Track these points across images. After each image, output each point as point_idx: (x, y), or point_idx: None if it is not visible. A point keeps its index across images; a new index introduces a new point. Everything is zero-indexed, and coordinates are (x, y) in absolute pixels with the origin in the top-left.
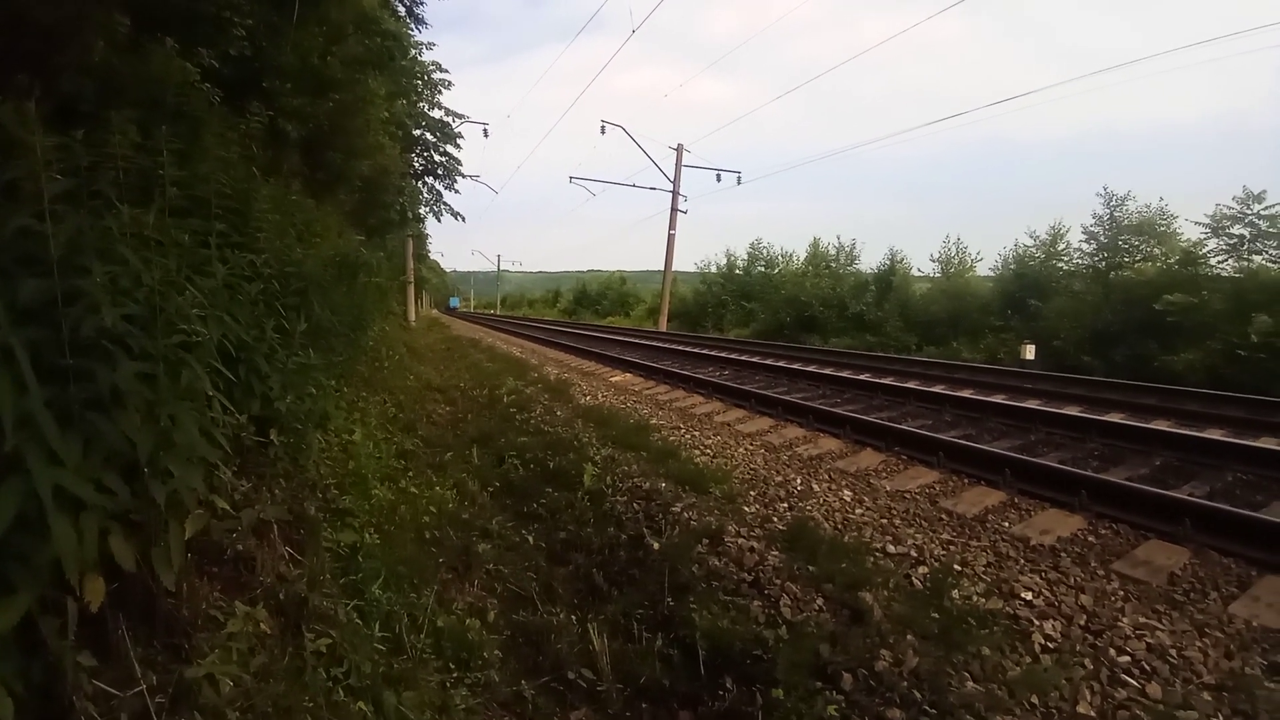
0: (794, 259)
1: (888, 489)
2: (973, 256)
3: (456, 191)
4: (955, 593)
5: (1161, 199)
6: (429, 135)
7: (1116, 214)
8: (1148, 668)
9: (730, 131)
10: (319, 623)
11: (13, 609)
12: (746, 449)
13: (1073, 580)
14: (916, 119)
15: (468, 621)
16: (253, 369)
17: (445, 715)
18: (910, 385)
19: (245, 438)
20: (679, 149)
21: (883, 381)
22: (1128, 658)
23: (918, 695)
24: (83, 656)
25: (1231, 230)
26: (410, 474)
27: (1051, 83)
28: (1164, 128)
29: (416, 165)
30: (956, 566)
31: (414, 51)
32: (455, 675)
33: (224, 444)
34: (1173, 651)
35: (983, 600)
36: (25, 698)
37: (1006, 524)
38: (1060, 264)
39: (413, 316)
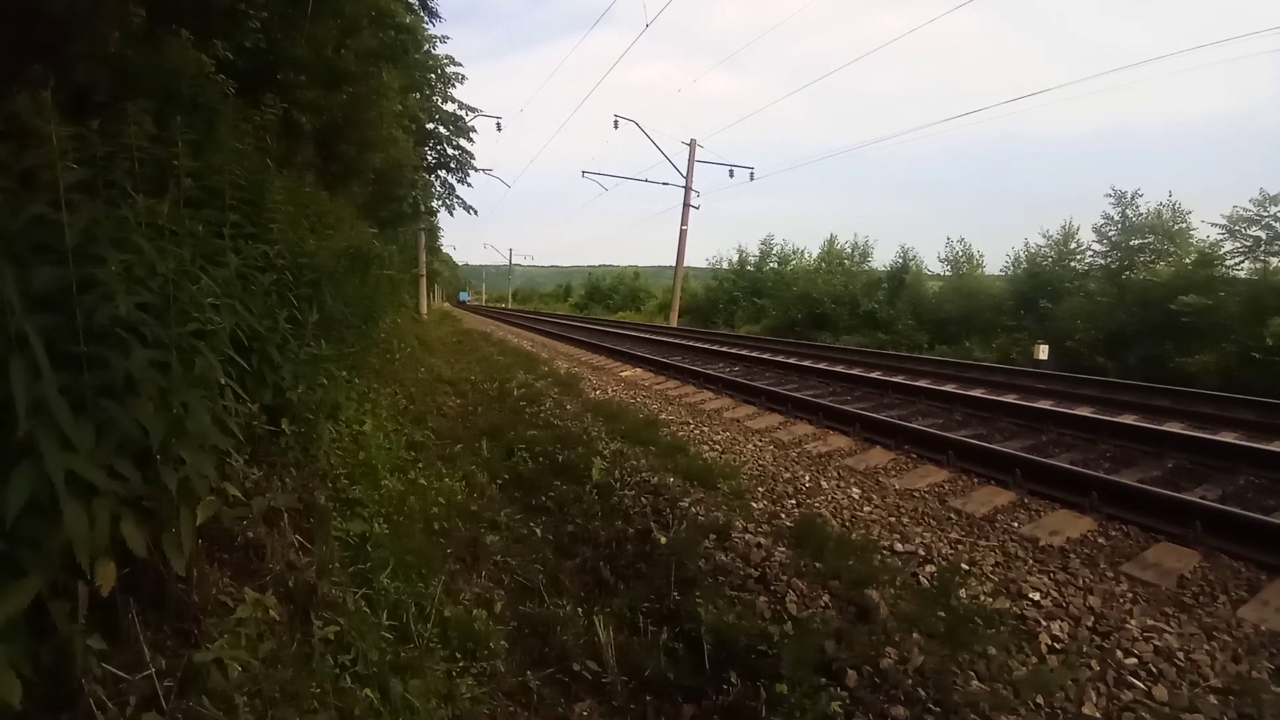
0: (806, 255)
1: (896, 487)
2: (978, 256)
3: (469, 185)
4: (962, 592)
5: (1170, 194)
6: (442, 129)
7: (1128, 213)
8: (1155, 670)
9: (742, 127)
10: (327, 610)
11: (24, 592)
12: (755, 445)
13: (1081, 581)
14: (928, 116)
15: (475, 612)
16: (265, 359)
17: (451, 704)
18: (921, 384)
19: (257, 426)
20: (691, 144)
21: (893, 380)
22: (1135, 660)
23: (922, 693)
24: (92, 640)
25: (1248, 232)
26: (420, 465)
27: (1065, 81)
28: (1178, 126)
29: (429, 158)
30: (964, 566)
31: (427, 45)
32: (461, 665)
33: (236, 432)
34: (1180, 654)
35: (990, 600)
36: (34, 680)
37: (1016, 524)
38: (1073, 263)
39: (424, 309)
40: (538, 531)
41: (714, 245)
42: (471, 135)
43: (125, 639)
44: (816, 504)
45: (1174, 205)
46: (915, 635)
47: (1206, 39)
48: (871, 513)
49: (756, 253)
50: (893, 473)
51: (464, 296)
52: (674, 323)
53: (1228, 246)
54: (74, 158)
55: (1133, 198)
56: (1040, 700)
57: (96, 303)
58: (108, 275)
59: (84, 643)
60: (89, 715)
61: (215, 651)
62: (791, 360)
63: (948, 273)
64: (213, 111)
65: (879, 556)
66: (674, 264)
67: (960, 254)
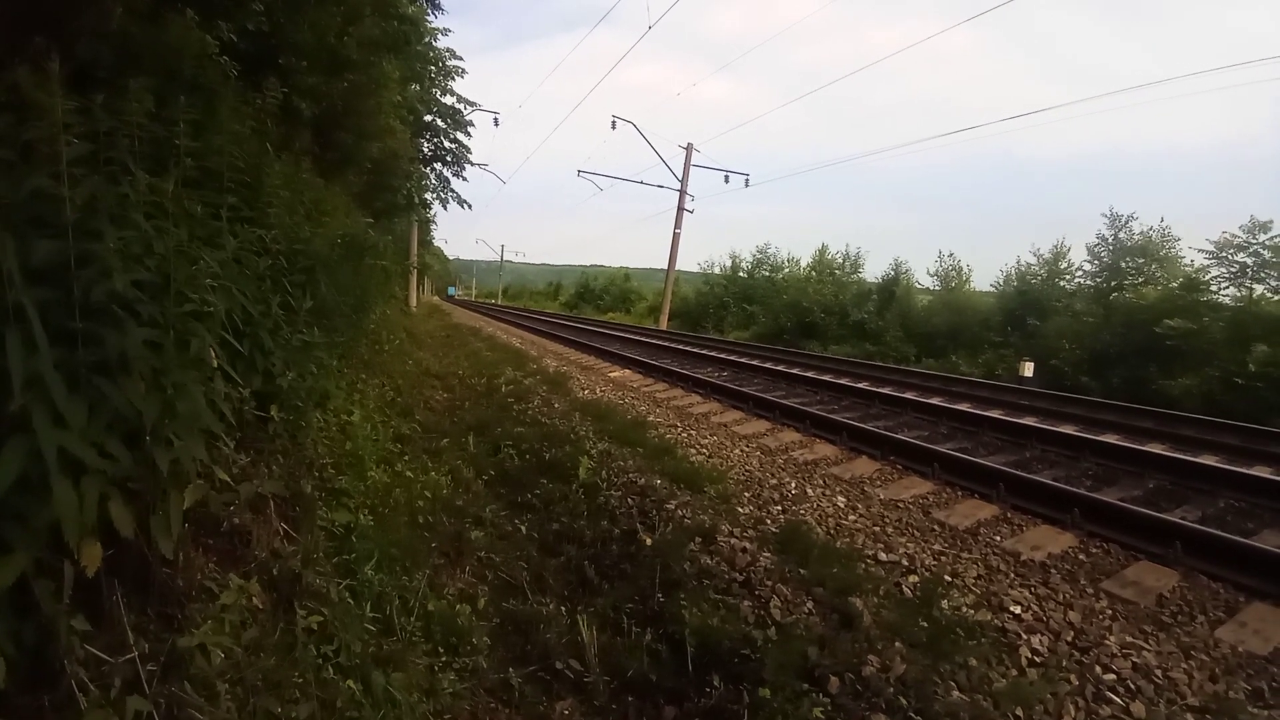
0: (797, 264)
1: (881, 497)
2: (966, 272)
3: (464, 179)
4: (945, 603)
5: (1162, 219)
6: (440, 121)
7: (1120, 235)
8: (1133, 687)
9: (739, 133)
10: (311, 600)
11: (9, 569)
12: (742, 450)
13: (1062, 597)
14: (925, 130)
15: (458, 607)
16: (257, 344)
17: (432, 698)
18: (908, 396)
19: (247, 412)
20: (688, 148)
21: (880, 390)
22: (1113, 676)
23: (904, 702)
24: (76, 621)
25: (1235, 258)
26: (406, 458)
27: (1062, 101)
28: (1172, 151)
29: (426, 151)
30: (947, 577)
31: (428, 37)
32: (444, 659)
33: (228, 416)
34: (1158, 672)
35: (972, 612)
36: (17, 659)
37: (998, 538)
38: (1063, 282)
39: (414, 302)
40: (523, 529)
41: (707, 250)
42: (469, 129)
43: (109, 621)
44: (802, 511)
45: (1164, 230)
46: (897, 644)
47: (1206, 65)
48: (856, 521)
49: (749, 259)
50: (878, 482)
51: (452, 291)
52: (664, 325)
53: (1215, 272)
54: (76, 132)
55: (1126, 221)
56: (1020, 713)
57: (94, 279)
58: (106, 252)
59: (68, 623)
60: (70, 696)
61: (199, 637)
62: (780, 367)
63: (937, 287)
64: (213, 93)
65: (863, 565)
66: (665, 267)
67: (949, 268)
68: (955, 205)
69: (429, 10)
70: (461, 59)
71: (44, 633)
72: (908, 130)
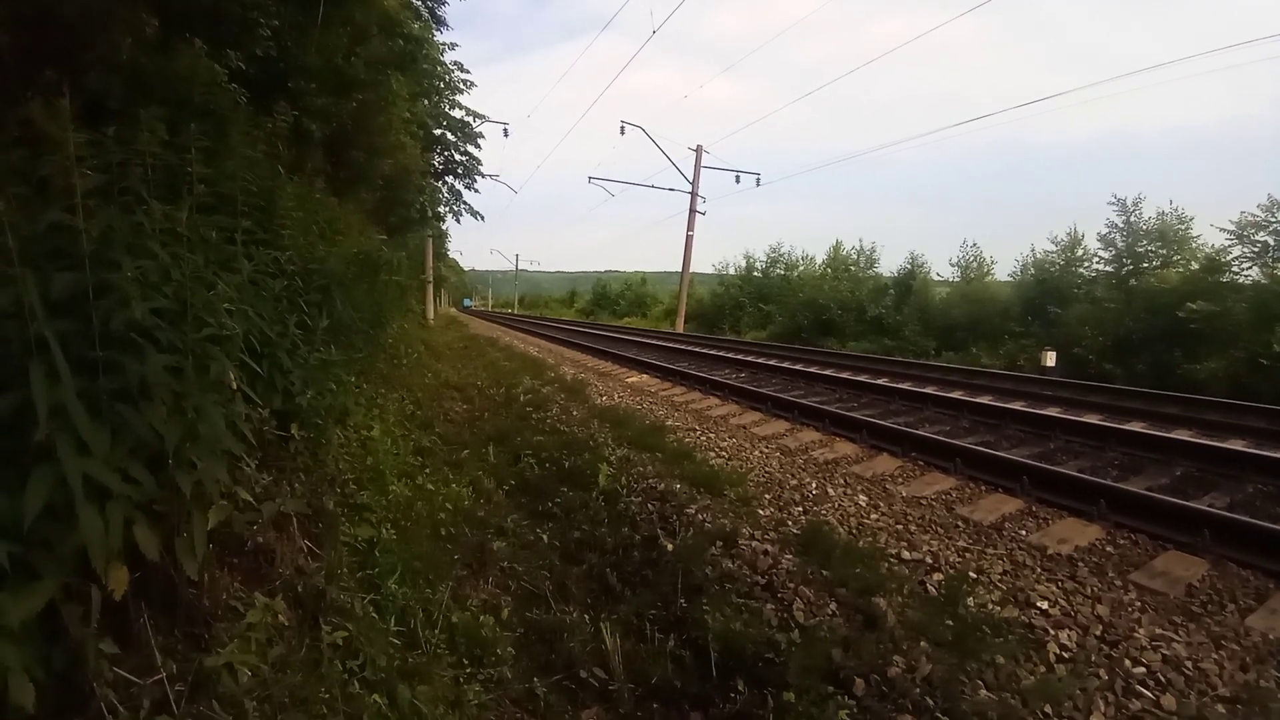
0: (812, 262)
1: (903, 495)
2: (988, 262)
3: (476, 191)
4: (970, 600)
5: (1171, 202)
6: (449, 135)
7: (1132, 220)
8: (1163, 679)
9: (748, 133)
10: (336, 615)
11: (38, 595)
12: (762, 452)
13: (1089, 590)
14: (931, 122)
15: (482, 618)
16: (275, 364)
17: (458, 710)
18: (928, 390)
19: (267, 432)
20: (698, 150)
21: (900, 386)
22: (1143, 669)
23: (930, 702)
24: (104, 644)
25: (1256, 238)
26: (427, 471)
27: (1070, 88)
28: (1181, 132)
29: (437, 164)
30: (972, 574)
31: (435, 52)
32: (468, 671)
33: (248, 436)
34: (1188, 663)
35: (998, 608)
36: (46, 684)
37: (1024, 532)
38: (1081, 270)
39: (431, 315)
40: (544, 538)
41: (721, 251)
42: (479, 141)
43: (136, 643)
44: (823, 511)
45: (1178, 212)
46: (923, 644)
47: (1210, 45)
48: (878, 520)
49: (763, 258)
50: (900, 480)
51: (468, 303)
52: (680, 329)
53: (1236, 252)
54: (89, 165)
55: (1135, 205)
56: (1049, 709)
57: (112, 308)
58: (123, 281)
59: (96, 646)
60: (100, 719)
61: (225, 656)
62: (798, 366)
63: (955, 278)
64: (224, 119)
65: (886, 564)
66: (680, 269)
67: (971, 259)
68: (968, 197)
69: (435, 27)
70: (469, 72)
71: (73, 657)
72: (915, 124)
